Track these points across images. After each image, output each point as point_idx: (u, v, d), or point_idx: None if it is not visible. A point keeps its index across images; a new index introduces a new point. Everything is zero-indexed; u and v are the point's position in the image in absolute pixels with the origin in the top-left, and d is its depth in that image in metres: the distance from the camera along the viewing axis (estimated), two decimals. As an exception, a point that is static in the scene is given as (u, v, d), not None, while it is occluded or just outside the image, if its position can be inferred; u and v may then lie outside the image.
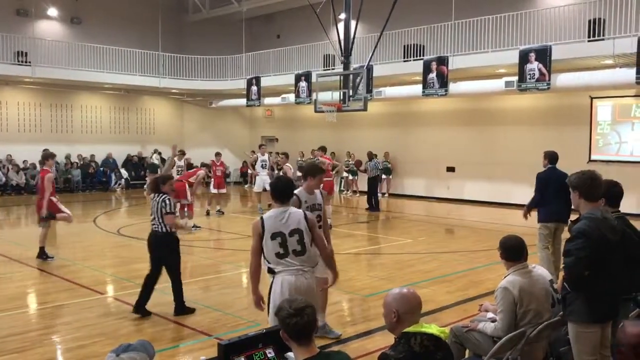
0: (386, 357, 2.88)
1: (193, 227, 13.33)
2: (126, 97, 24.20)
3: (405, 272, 9.36)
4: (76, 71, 20.74)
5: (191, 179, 13.74)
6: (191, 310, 6.96)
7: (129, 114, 24.62)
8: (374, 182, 17.41)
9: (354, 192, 21.97)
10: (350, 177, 22.11)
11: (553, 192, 8.06)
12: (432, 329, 2.98)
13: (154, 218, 6.92)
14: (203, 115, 26.37)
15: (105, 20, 22.82)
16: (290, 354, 3.36)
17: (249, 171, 20.85)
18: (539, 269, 4.88)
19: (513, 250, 4.45)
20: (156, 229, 6.93)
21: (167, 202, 6.83)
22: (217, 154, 16.60)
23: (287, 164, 12.88)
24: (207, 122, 26.31)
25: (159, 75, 22.89)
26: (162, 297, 7.82)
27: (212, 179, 15.92)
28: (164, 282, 8.70)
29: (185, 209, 13.36)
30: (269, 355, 3.41)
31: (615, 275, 3.88)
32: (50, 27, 22.51)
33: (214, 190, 15.96)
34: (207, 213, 15.66)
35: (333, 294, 8.11)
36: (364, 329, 6.43)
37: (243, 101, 23.31)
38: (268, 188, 16.33)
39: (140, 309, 6.85)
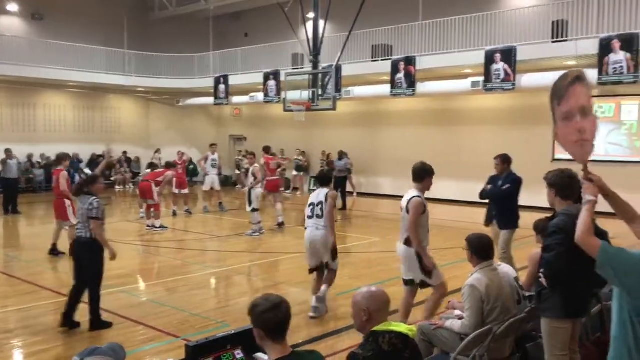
0: (355, 356, 2.88)
1: (160, 227, 13.17)
2: (91, 96, 23.73)
3: (374, 271, 9.41)
4: (39, 69, 20.23)
5: (158, 179, 13.57)
6: (108, 325, 6.45)
7: (94, 112, 24.16)
8: (342, 182, 17.42)
9: (295, 189, 21.89)
10: (295, 174, 22.08)
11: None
12: (401, 327, 2.99)
13: (80, 222, 6.42)
14: (170, 113, 26.04)
15: (68, 17, 22.33)
16: (259, 355, 3.34)
17: (198, 169, 20.60)
18: (505, 266, 4.96)
19: (481, 249, 4.51)
20: (80, 234, 6.41)
21: (96, 205, 6.33)
22: (179, 153, 16.46)
23: (255, 165, 12.81)
24: (174, 120, 26.00)
25: (124, 74, 22.50)
26: (128, 298, 7.71)
27: (174, 179, 15.71)
28: (130, 284, 8.57)
29: (152, 209, 13.18)
30: (237, 356, 3.38)
31: (588, 272, 3.96)
32: (10, 22, 21.94)
33: (175, 191, 15.75)
34: (174, 213, 15.47)
35: (302, 294, 8.10)
36: (333, 328, 6.44)
37: (211, 100, 23.10)
38: (216, 188, 16.45)
39: (69, 321, 6.35)
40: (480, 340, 4.17)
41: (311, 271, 7.12)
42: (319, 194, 7.10)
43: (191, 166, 24.59)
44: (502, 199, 7.95)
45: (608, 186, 3.22)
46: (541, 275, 4.03)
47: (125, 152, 24.45)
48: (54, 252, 10.29)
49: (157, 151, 22.46)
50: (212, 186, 16.38)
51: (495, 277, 4.39)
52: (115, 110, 24.90)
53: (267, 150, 14.50)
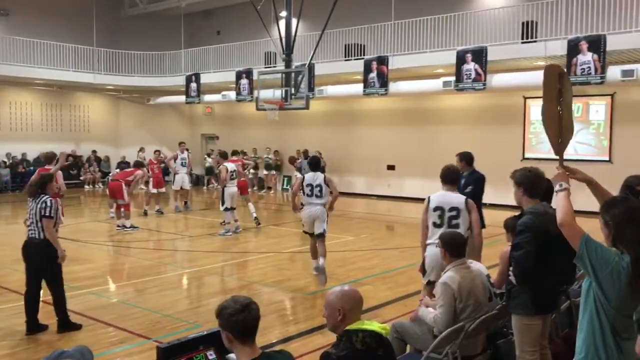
0: (328, 356, 2.87)
1: (130, 227, 12.99)
2: (59, 94, 23.27)
3: (347, 270, 9.42)
4: (4, 65, 19.74)
5: (128, 178, 13.37)
6: (77, 327, 6.28)
7: (62, 110, 23.69)
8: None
9: (269, 188, 21.79)
10: (266, 173, 22.00)
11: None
12: (374, 325, 2.99)
13: (32, 223, 6.19)
14: (140, 112, 25.69)
15: (34, 13, 21.84)
16: (231, 356, 3.30)
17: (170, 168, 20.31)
18: (476, 264, 5.00)
19: (454, 247, 4.55)
20: (33, 235, 6.19)
21: (49, 203, 6.14)
22: (156, 152, 16.26)
23: (223, 164, 12.70)
24: (145, 119, 25.66)
25: (93, 71, 22.11)
26: (98, 300, 7.59)
27: (151, 178, 15.56)
28: (100, 285, 8.43)
29: (122, 209, 12.99)
30: (209, 357, 3.34)
31: (557, 268, 4.03)
32: (-26, 18, 21.40)
33: (153, 190, 15.60)
34: (145, 213, 15.27)
35: (274, 293, 8.08)
36: (306, 327, 6.42)
37: (182, 98, 22.86)
38: (186, 187, 16.31)
39: (34, 326, 6.18)
40: (453, 337, 4.20)
41: (306, 233, 8.77)
42: (316, 178, 8.51)
43: (161, 165, 24.37)
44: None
45: (587, 175, 3.35)
46: (511, 273, 4.08)
47: (94, 151, 24.07)
48: None
49: (141, 150, 22.07)
50: (181, 185, 16.25)
51: (468, 274, 4.43)
52: (84, 109, 24.47)
53: (233, 153, 14.52)
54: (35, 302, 6.23)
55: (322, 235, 8.44)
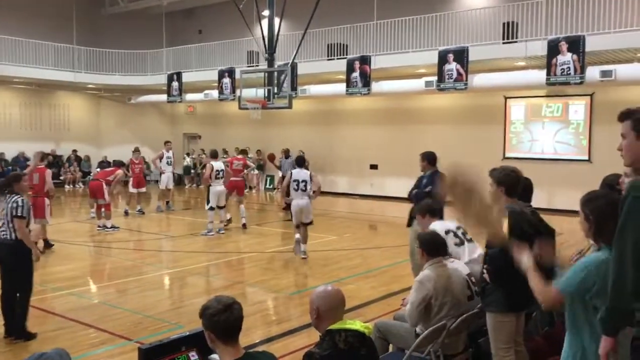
0: (311, 355, 2.87)
1: (111, 227, 12.87)
2: (38, 92, 22.97)
3: (330, 269, 9.43)
4: (-19, 63, 19.49)
5: (109, 178, 13.25)
6: (33, 336, 6.00)
7: (41, 109, 23.38)
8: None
9: (251, 188, 21.51)
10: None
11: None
12: (356, 325, 3.00)
13: (3, 223, 6.01)
14: (121, 111, 25.46)
15: (13, 10, 21.48)
16: (214, 356, 3.29)
17: (152, 167, 20.08)
18: (456, 263, 5.05)
19: (432, 246, 4.59)
20: (5, 235, 5.98)
21: (20, 203, 5.98)
22: (135, 151, 16.09)
23: (210, 162, 12.66)
24: (126, 118, 25.43)
25: (73, 70, 21.86)
26: (80, 301, 7.52)
27: (131, 178, 15.41)
28: (80, 286, 8.35)
29: (103, 209, 12.86)
30: (192, 358, 3.33)
31: None
32: (-50, 15, 21.03)
33: (133, 190, 15.46)
34: (126, 213, 15.14)
35: (257, 293, 8.07)
36: (289, 327, 6.42)
37: (164, 97, 22.69)
38: (170, 186, 16.20)
39: (20, 332, 5.98)
40: (435, 336, 4.23)
41: (297, 227, 9.98)
42: (301, 174, 9.89)
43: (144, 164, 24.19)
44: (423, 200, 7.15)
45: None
46: (485, 270, 4.13)
47: (75, 151, 23.79)
48: (48, 245, 10.59)
49: (136, 150, 21.71)
50: (166, 185, 16.16)
51: (444, 272, 4.48)
52: (64, 108, 24.18)
53: (242, 152, 14.33)
54: (13, 303, 6.08)
55: (309, 224, 10.01)
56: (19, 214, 5.93)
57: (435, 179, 7.21)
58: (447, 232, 5.31)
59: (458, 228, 5.43)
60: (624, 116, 2.87)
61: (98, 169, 15.64)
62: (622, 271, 2.56)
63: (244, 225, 13.13)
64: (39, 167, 10.40)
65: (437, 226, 5.33)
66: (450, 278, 4.47)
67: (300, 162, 10.37)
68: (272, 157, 18.66)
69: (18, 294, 6.04)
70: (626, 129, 2.84)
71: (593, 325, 2.81)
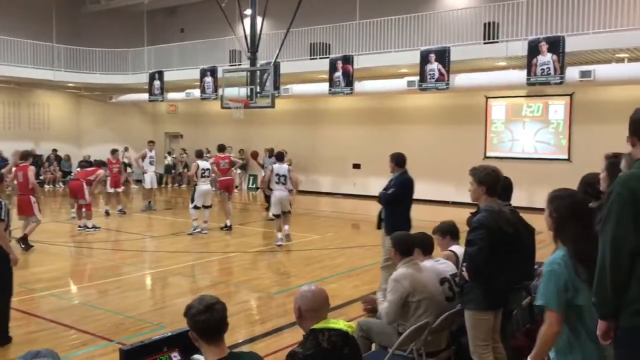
0: (294, 355, 2.87)
1: (92, 227, 12.74)
2: (17, 91, 22.62)
3: (313, 268, 9.44)
4: (-42, 61, 19.16)
5: (90, 178, 13.11)
6: (8, 340, 5.84)
7: (20, 108, 23.05)
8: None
9: (235, 187, 21.28)
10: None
11: (410, 200, 7.29)
12: (340, 324, 3.01)
13: None
14: (102, 110, 25.19)
15: (-9, 8, 21.22)
16: (196, 357, 3.28)
17: (134, 167, 19.84)
18: (442, 262, 5.08)
19: (404, 247, 4.64)
20: None
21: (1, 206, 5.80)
22: (113, 151, 15.96)
23: (195, 162, 12.60)
24: (107, 117, 25.16)
25: (53, 68, 21.58)
26: (60, 302, 7.44)
27: (109, 178, 15.25)
28: (61, 287, 8.26)
29: (83, 209, 12.72)
30: (174, 359, 3.31)
31: (508, 265, 4.12)
32: None
33: (110, 190, 15.30)
34: (107, 213, 15.00)
35: (240, 293, 8.05)
36: (273, 327, 6.41)
37: (145, 96, 22.51)
38: (154, 186, 16.08)
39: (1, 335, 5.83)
40: (417, 334, 4.26)
41: (277, 216, 11.13)
42: (282, 168, 11.19)
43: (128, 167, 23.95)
44: (388, 202, 7.18)
45: None
46: (464, 268, 4.17)
47: (54, 150, 23.50)
48: (28, 245, 10.50)
49: (125, 149, 21.46)
50: (151, 184, 16.07)
51: (418, 270, 4.54)
52: (44, 106, 23.86)
53: (220, 149, 13.80)
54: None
55: (289, 213, 11.38)
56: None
57: (402, 181, 7.11)
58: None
59: None
60: None
61: (78, 169, 15.47)
62: (603, 263, 2.62)
63: (230, 226, 13.10)
64: (22, 164, 10.42)
65: (456, 249, 5.23)
66: (425, 275, 4.54)
67: (281, 157, 11.75)
68: (255, 155, 18.58)
69: None
70: None
71: (577, 331, 2.87)
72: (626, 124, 2.78)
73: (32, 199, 10.36)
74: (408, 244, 4.65)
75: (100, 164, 14.21)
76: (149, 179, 15.99)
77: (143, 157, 16.09)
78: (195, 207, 12.28)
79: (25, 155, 10.81)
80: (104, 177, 13.99)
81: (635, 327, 2.55)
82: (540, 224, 4.66)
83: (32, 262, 9.72)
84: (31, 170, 10.39)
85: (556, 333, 2.87)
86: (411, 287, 4.38)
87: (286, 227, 11.23)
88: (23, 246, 10.31)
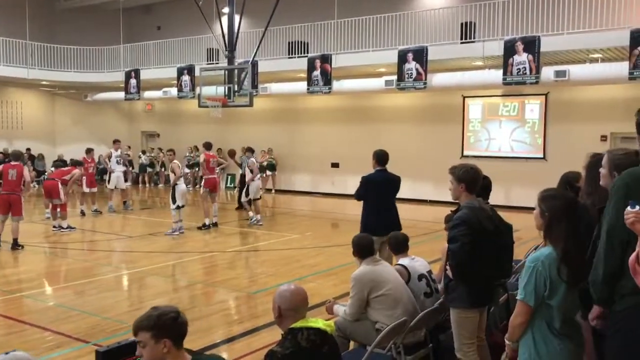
0: (273, 354, 2.87)
1: (67, 227, 12.55)
2: (-11, 89, 22.22)
3: (292, 267, 9.42)
4: None
5: (65, 177, 12.93)
6: None
7: (-8, 106, 22.64)
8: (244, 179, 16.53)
9: (268, 190, 20.89)
10: (269, 173, 20.91)
11: (384, 198, 7.10)
12: (319, 323, 3.01)
13: None
14: (77, 109, 24.83)
15: (-38, 4, 20.78)
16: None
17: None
18: (417, 259, 5.12)
19: (365, 249, 4.78)
20: None
21: None
22: (88, 150, 15.76)
23: (175, 161, 12.52)
24: (82, 116, 24.82)
25: (26, 66, 21.20)
26: (34, 304, 7.33)
27: (84, 177, 15.03)
28: (35, 288, 8.12)
29: (58, 209, 12.53)
30: (151, 360, 3.27)
31: (491, 262, 4.16)
32: None
33: (86, 189, 15.10)
34: (82, 213, 14.79)
35: (218, 292, 8.00)
36: (251, 326, 6.37)
37: (121, 94, 22.25)
38: (120, 186, 15.95)
39: None
40: (396, 332, 4.28)
41: (250, 203, 13.46)
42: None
43: (100, 165, 23.63)
44: (357, 199, 7.23)
45: None
46: (447, 267, 4.20)
47: (28, 149, 23.07)
48: (18, 246, 10.46)
49: (129, 148, 21.09)
50: (116, 184, 15.86)
51: (378, 267, 4.65)
52: (17, 105, 23.45)
53: (208, 146, 13.82)
54: None
55: (259, 199, 13.67)
56: None
57: (366, 180, 7.08)
58: None
59: None
60: None
61: (53, 168, 15.24)
62: (599, 251, 2.81)
63: (215, 224, 13.13)
64: (14, 164, 10.54)
65: (406, 262, 5.28)
66: (384, 271, 4.64)
67: (252, 151, 14.03)
68: (232, 153, 18.46)
69: None
70: None
71: (541, 326, 2.97)
72: (600, 124, 2.91)
73: (22, 198, 10.50)
74: (363, 246, 4.78)
75: (76, 163, 14.00)
76: (115, 179, 15.82)
77: (109, 157, 15.93)
78: (178, 207, 12.19)
79: (17, 156, 10.90)
80: (79, 176, 13.80)
81: (626, 309, 2.72)
82: (516, 221, 4.73)
83: (6, 263, 9.55)
84: (27, 170, 10.61)
85: (522, 324, 3.01)
86: (373, 282, 4.49)
87: (259, 216, 13.41)
88: (19, 247, 10.41)
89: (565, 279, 2.85)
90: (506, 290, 5.05)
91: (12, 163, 10.59)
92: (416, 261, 5.07)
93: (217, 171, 14.42)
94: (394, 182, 7.18)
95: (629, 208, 2.49)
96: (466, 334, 4.17)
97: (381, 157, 7.08)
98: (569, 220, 2.93)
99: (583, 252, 2.94)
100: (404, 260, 5.06)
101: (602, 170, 3.20)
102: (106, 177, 16.50)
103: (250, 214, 13.77)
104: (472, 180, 4.22)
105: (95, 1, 22.62)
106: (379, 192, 7.01)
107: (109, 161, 15.90)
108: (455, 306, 4.18)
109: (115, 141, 16.43)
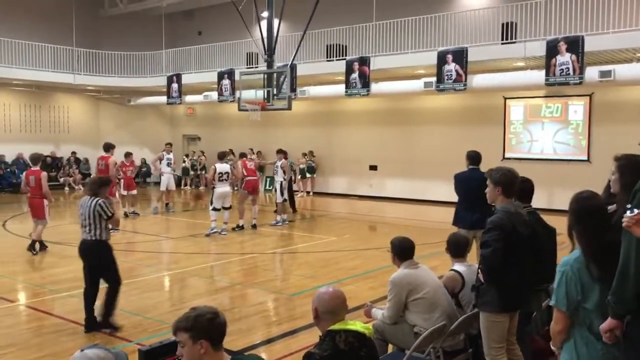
0: (311, 356, 2.88)
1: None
2: (38, 94, 22.95)
3: (330, 270, 9.43)
4: (-20, 66, 19.45)
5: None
6: (118, 328, 6.43)
7: (41, 111, 23.39)
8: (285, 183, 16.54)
9: (307, 192, 21.13)
10: (308, 176, 21.12)
11: (474, 195, 7.19)
12: (357, 325, 3.01)
13: (89, 224, 6.61)
14: (121, 113, 25.45)
15: (12, 12, 21.49)
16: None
17: (152, 170, 20.00)
18: (457, 265, 5.05)
19: (405, 251, 4.68)
20: (88, 235, 6.59)
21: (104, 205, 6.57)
22: (127, 154, 16.07)
23: (213, 165, 12.77)
24: (125, 120, 25.42)
25: (73, 72, 21.84)
26: (78, 302, 7.51)
27: (122, 180, 15.35)
28: (80, 288, 8.33)
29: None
30: (192, 360, 3.32)
31: (524, 267, 4.09)
32: (-50, 17, 21.01)
33: (123, 192, 15.42)
34: (125, 214, 15.11)
35: (258, 294, 8.06)
36: (289, 328, 6.40)
37: (163, 99, 22.69)
38: (171, 188, 16.26)
39: (106, 323, 6.41)
40: (434, 336, 4.24)
41: (218, 210, 12.48)
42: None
43: (144, 168, 24.12)
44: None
45: None
46: (479, 270, 4.15)
47: (74, 153, 23.79)
48: (33, 248, 10.52)
49: (128, 154, 21.58)
50: (167, 186, 16.21)
51: (417, 270, 4.59)
52: (64, 110, 24.18)
53: (221, 156, 14.10)
54: (94, 300, 6.50)
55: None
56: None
57: (455, 177, 7.95)
58: None
59: None
60: None
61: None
62: (627, 261, 2.63)
63: (254, 226, 13.33)
64: (34, 169, 10.67)
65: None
66: (422, 273, 4.58)
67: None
68: (259, 156, 18.47)
69: (107, 287, 6.57)
70: None
71: (582, 330, 2.89)
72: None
73: (45, 202, 10.51)
74: (403, 248, 4.70)
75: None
76: (166, 181, 16.17)
77: (160, 159, 16.29)
78: (215, 209, 12.45)
79: (35, 160, 10.94)
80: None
81: None
82: (560, 225, 4.61)
83: (50, 263, 9.84)
84: (44, 177, 10.48)
85: (560, 331, 2.95)
86: (409, 284, 4.45)
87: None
88: (34, 252, 10.44)
89: (596, 275, 2.78)
90: (548, 295, 4.94)
91: (32, 169, 10.81)
92: (473, 267, 4.85)
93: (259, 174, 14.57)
94: (479, 180, 7.31)
95: (627, 212, 2.44)
96: (495, 338, 4.12)
97: (472, 157, 8.06)
98: (591, 217, 2.87)
99: (612, 254, 2.77)
100: (460, 267, 4.92)
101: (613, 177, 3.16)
102: (149, 180, 16.86)
103: (278, 217, 14.04)
104: (509, 183, 4.16)
105: (138, 7, 23.14)
106: (461, 189, 7.86)
107: (160, 164, 16.24)
108: (485, 310, 4.14)
109: (167, 144, 16.88)
